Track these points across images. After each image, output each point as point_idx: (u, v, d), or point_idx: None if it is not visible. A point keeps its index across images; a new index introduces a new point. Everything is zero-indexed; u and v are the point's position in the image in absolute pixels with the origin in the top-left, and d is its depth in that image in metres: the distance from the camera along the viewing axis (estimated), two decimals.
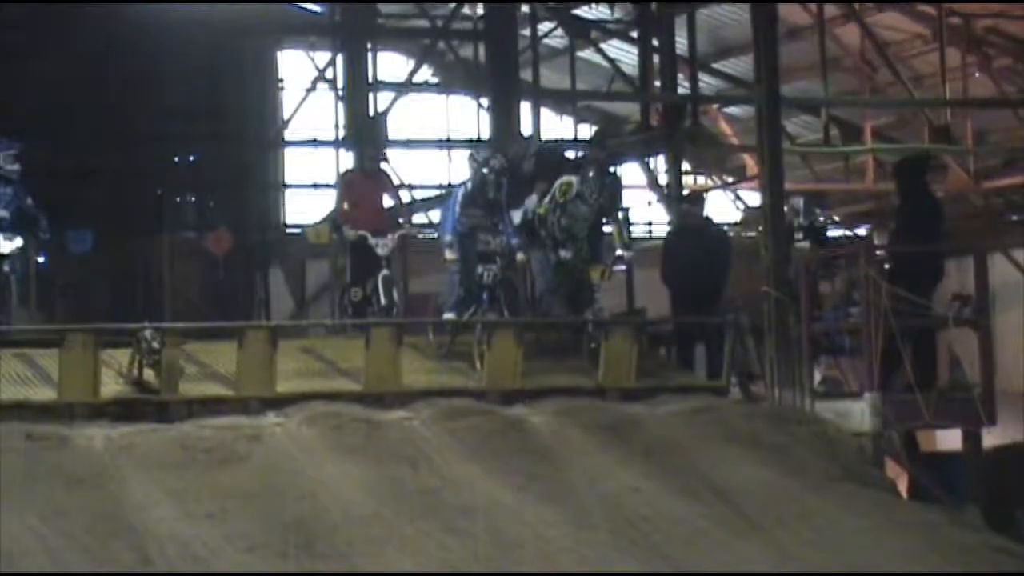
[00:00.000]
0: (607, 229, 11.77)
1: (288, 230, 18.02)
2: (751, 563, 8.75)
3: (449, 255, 11.33)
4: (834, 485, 9.89)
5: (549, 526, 8.90)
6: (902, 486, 10.78)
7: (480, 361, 10.84)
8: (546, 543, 8.75)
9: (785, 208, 11.83)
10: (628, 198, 14.45)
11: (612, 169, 12.62)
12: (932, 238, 11.66)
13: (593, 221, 11.52)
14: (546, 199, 11.52)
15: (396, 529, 8.68)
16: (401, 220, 12.38)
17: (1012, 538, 9.72)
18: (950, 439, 11.76)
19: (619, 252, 11.66)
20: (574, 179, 11.39)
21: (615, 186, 12.03)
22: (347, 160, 15.94)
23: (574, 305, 11.47)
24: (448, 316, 11.42)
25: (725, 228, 15.52)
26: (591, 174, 11.43)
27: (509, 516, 8.90)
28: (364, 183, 12.23)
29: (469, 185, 11.37)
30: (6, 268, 10.77)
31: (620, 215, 12.12)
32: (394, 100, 15.97)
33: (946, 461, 11.63)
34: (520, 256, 11.54)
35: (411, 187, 15.71)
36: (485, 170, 11.28)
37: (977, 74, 16.66)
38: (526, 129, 14.48)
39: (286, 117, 18.10)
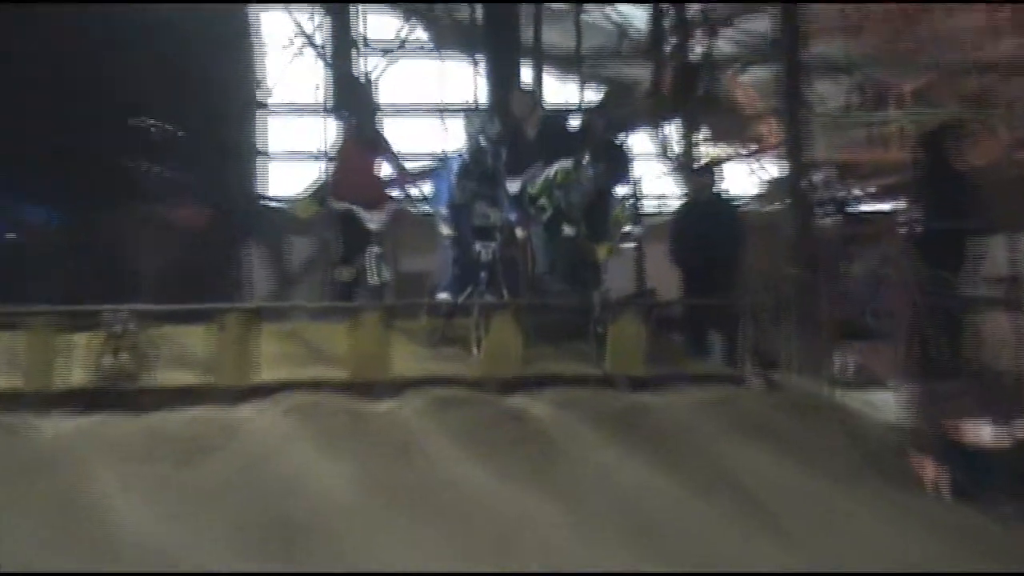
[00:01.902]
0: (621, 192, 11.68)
1: (269, 203, 17.88)
2: (776, 569, 8.51)
3: (444, 230, 11.19)
4: (862, 482, 9.52)
5: (554, 527, 8.69)
6: (934, 482, 10.54)
7: (477, 346, 10.71)
8: (550, 546, 8.53)
9: (808, 180, 11.91)
10: (638, 169, 13.98)
11: (618, 141, 12.37)
12: (957, 214, 11.44)
13: (595, 198, 11.38)
14: (539, 179, 11.44)
15: (385, 527, 8.55)
16: (397, 192, 12.15)
17: None
18: (986, 432, 11.24)
19: (626, 228, 11.50)
20: (570, 166, 11.29)
21: (621, 158, 11.86)
22: (334, 128, 15.97)
23: (578, 286, 11.32)
24: (442, 297, 11.24)
25: (739, 201, 15.21)
26: (586, 159, 11.30)
27: (510, 516, 8.74)
28: (355, 151, 12.00)
29: (465, 155, 11.21)
30: None
31: (628, 188, 12.09)
32: (385, 65, 15.88)
33: (983, 455, 11.15)
34: (520, 232, 11.39)
35: (402, 157, 15.39)
36: (481, 138, 11.14)
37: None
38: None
39: (268, 82, 17.96)
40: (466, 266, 11.15)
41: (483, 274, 11.09)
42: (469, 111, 14.94)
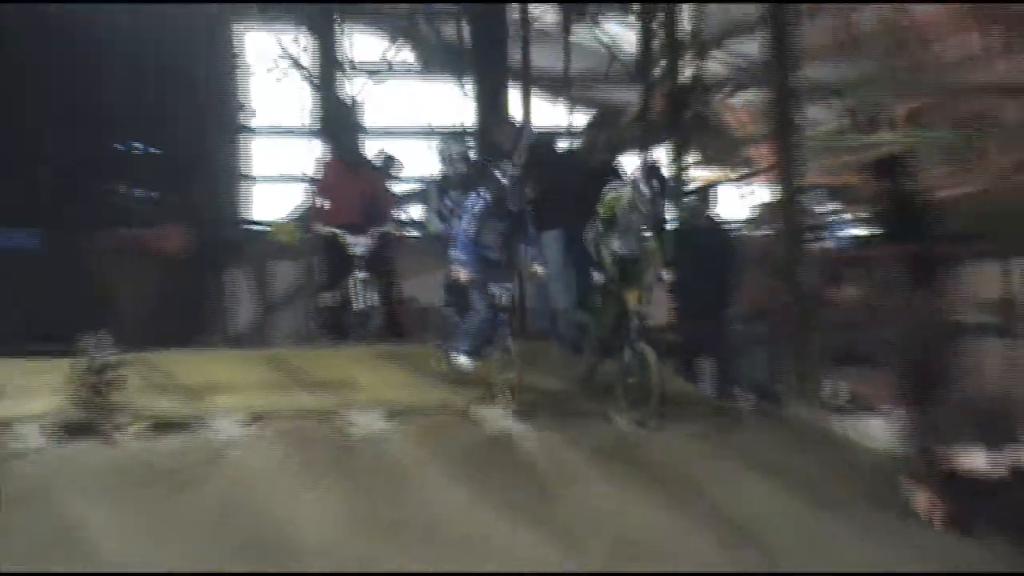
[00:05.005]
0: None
1: (252, 227, 17.77)
2: None
3: (463, 275, 10.84)
4: (854, 511, 9.59)
5: (549, 566, 8.72)
6: (927, 511, 10.14)
7: (512, 392, 10.66)
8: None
9: (799, 204, 11.89)
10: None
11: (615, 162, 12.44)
12: (917, 240, 11.53)
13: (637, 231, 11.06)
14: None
15: (370, 563, 8.60)
16: (387, 218, 12.50)
17: None
18: (980, 460, 10.87)
19: (663, 272, 10.79)
20: (624, 194, 10.75)
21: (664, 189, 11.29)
22: (318, 150, 16.17)
23: (603, 343, 11.05)
24: (462, 361, 11.08)
25: (732, 227, 15.16)
26: (643, 184, 10.61)
27: (499, 552, 8.79)
28: (344, 174, 12.37)
29: (488, 196, 10.92)
30: None
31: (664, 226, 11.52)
32: (371, 84, 16.10)
33: (976, 484, 10.68)
34: (539, 268, 11.08)
35: (393, 180, 15.35)
36: (505, 180, 10.85)
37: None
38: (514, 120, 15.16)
39: (252, 104, 17.82)
40: (486, 319, 10.92)
41: (501, 316, 10.87)
42: (451, 135, 14.56)
